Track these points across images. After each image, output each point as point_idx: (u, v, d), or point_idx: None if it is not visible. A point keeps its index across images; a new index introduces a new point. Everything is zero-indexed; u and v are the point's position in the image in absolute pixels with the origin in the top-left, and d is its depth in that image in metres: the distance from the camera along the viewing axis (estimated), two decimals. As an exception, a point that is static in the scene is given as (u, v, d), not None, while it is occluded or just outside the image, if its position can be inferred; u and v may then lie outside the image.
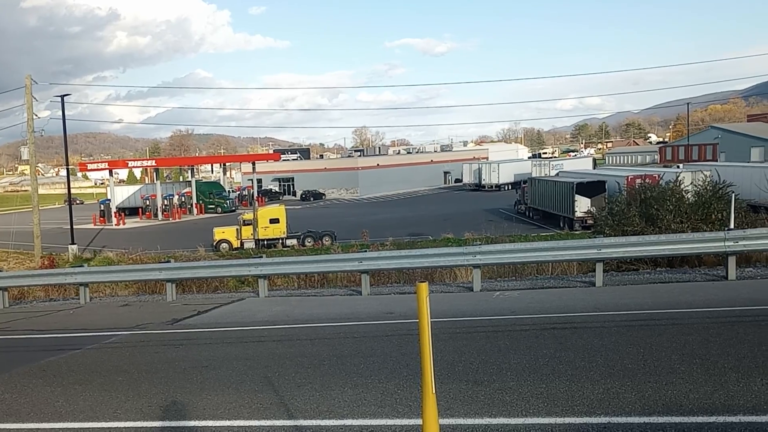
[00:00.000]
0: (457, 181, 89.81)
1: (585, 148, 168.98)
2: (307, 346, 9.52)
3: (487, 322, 10.33)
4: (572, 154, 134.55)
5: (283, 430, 5.97)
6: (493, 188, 75.46)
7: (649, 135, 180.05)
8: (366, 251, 15.64)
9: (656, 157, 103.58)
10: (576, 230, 36.68)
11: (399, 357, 8.34)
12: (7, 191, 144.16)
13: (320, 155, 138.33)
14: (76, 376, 8.52)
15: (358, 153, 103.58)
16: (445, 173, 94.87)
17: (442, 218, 46.45)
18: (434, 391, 3.68)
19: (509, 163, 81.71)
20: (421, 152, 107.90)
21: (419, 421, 5.87)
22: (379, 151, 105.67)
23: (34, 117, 37.04)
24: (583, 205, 37.28)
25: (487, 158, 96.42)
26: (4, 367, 9.35)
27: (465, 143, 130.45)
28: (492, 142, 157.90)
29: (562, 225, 39.60)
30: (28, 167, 54.40)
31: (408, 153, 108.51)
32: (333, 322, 11.17)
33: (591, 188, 38.42)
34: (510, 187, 70.95)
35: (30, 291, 19.71)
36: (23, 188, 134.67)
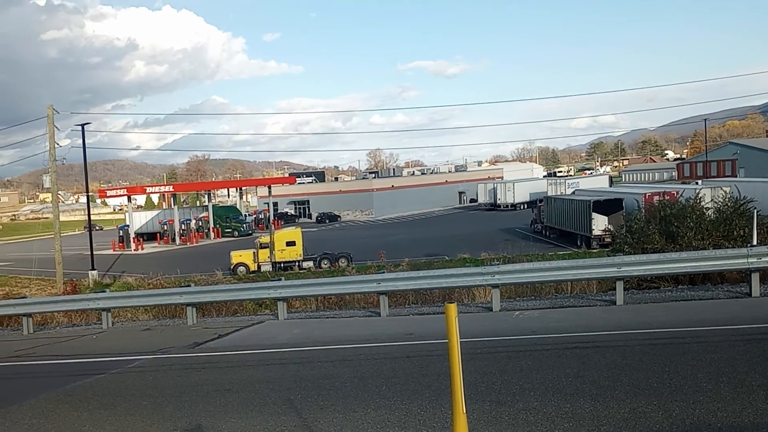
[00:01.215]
0: (472, 201, 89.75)
1: (601, 166, 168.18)
2: (328, 368, 9.53)
3: (508, 342, 10.29)
4: (588, 172, 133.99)
5: (308, 452, 5.99)
6: (509, 207, 75.25)
7: (665, 152, 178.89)
8: (383, 272, 15.65)
9: (674, 173, 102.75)
10: (593, 248, 36.45)
11: (421, 378, 8.33)
12: (28, 219, 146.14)
13: (335, 178, 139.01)
14: (102, 400, 8.59)
15: (373, 175, 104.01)
16: (460, 193, 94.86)
17: (457, 238, 46.36)
18: (464, 411, 3.70)
19: (524, 182, 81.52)
20: (436, 173, 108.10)
21: (444, 441, 5.91)
22: (394, 173, 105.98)
23: (56, 146, 37.69)
24: (600, 223, 37.07)
25: (501, 178, 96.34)
26: (31, 393, 9.44)
27: (479, 163, 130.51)
28: (506, 161, 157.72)
29: (579, 243, 39.37)
30: (49, 195, 55.22)
31: (422, 174, 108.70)
32: (353, 344, 11.18)
33: (608, 206, 38.21)
34: (526, 206, 70.74)
35: (53, 317, 19.90)
36: (44, 215, 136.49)
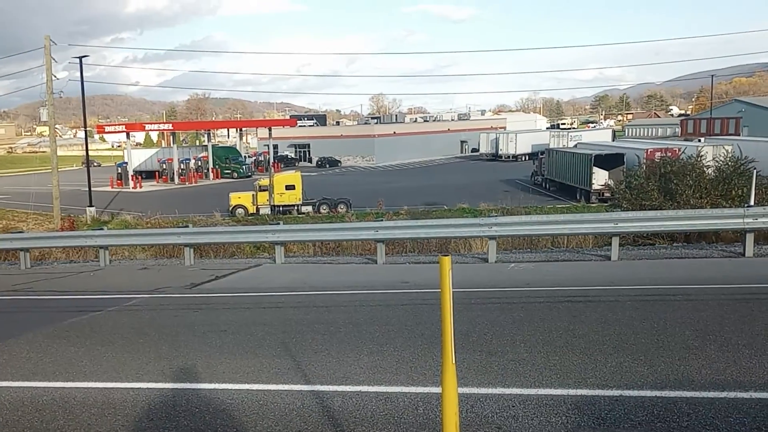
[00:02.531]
0: (474, 150, 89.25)
1: (604, 120, 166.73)
2: (323, 313, 9.67)
3: (502, 293, 10.42)
4: (591, 125, 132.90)
5: (301, 394, 6.11)
6: (510, 158, 74.95)
7: (670, 107, 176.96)
8: (382, 220, 15.72)
9: (677, 130, 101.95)
10: (593, 203, 36.48)
11: (414, 326, 8.46)
12: (25, 152, 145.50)
13: (336, 122, 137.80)
14: (99, 337, 8.73)
15: (375, 120, 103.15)
16: (462, 142, 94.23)
17: (457, 188, 46.35)
18: (454, 361, 3.77)
19: (527, 134, 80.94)
20: (438, 120, 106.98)
21: (435, 389, 6.03)
22: (396, 119, 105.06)
23: (53, 78, 37.14)
24: (600, 177, 37.00)
25: (504, 128, 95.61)
26: (28, 327, 9.59)
27: (483, 112, 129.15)
28: (510, 111, 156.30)
29: (578, 197, 39.40)
30: (46, 128, 54.76)
31: (425, 121, 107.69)
32: (349, 290, 11.32)
33: (609, 161, 38.06)
34: (527, 158, 70.51)
35: (51, 252, 20.03)
36: (41, 149, 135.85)
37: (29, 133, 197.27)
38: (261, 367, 6.97)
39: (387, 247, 14.98)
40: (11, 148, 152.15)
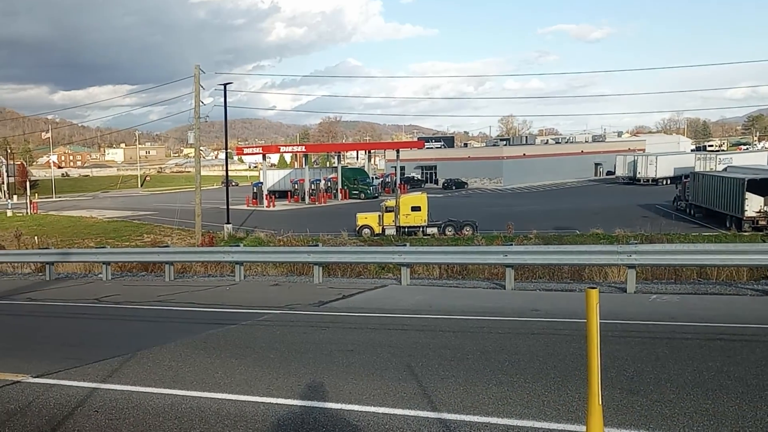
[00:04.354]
0: (609, 173, 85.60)
1: (759, 141, 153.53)
2: (450, 338, 9.43)
3: (642, 327, 9.65)
4: (744, 147, 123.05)
5: (427, 421, 5.91)
6: (650, 182, 71.04)
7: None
8: (511, 244, 15.26)
9: None
10: (745, 231, 33.60)
11: (546, 357, 8.01)
12: (173, 171, 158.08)
13: (464, 143, 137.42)
14: (233, 349, 9.04)
15: (504, 142, 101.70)
16: (596, 165, 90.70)
17: (591, 212, 44.43)
18: (601, 402, 3.42)
19: (669, 156, 76.38)
20: (571, 142, 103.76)
21: (569, 426, 5.62)
22: (526, 140, 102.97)
23: (200, 104, 39.93)
24: (755, 204, 34.07)
25: (643, 150, 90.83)
26: (171, 336, 10.14)
27: (619, 134, 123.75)
28: (650, 133, 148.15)
29: (728, 224, 36.46)
30: (192, 150, 58.89)
31: (557, 143, 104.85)
32: (476, 316, 11.00)
33: (765, 186, 34.93)
34: (668, 182, 66.60)
35: (191, 266, 21.31)
36: (186, 169, 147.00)
37: (177, 155, 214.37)
38: (387, 390, 6.86)
39: (516, 273, 14.50)
40: (161, 168, 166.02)
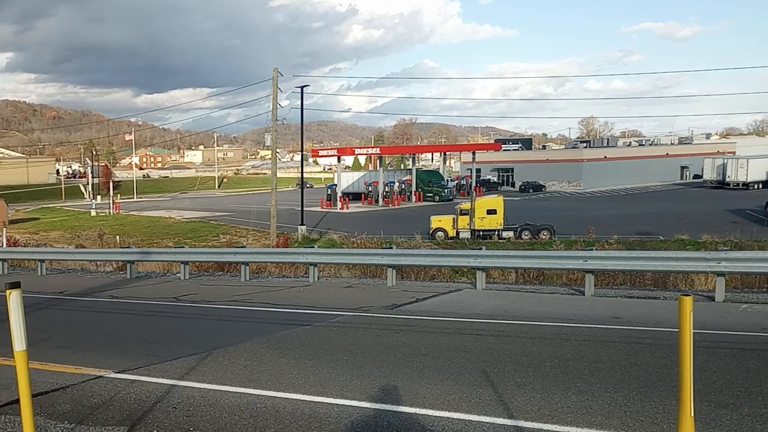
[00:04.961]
0: (696, 177, 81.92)
1: None
2: (526, 345, 9.18)
3: (732, 338, 9.10)
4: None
5: (504, 429, 5.76)
6: (740, 186, 67.47)
7: None
8: (591, 249, 14.76)
9: None
10: None
11: (628, 366, 7.67)
12: (249, 173, 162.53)
13: (542, 146, 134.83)
14: (307, 350, 9.11)
15: (584, 144, 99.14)
16: (683, 168, 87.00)
17: (676, 217, 42.60)
18: (692, 415, 3.22)
19: (762, 159, 72.23)
20: (655, 144, 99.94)
21: (655, 442, 5.34)
22: (608, 143, 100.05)
23: (278, 106, 40.77)
24: None
25: (734, 152, 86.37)
26: (246, 336, 10.32)
27: (708, 136, 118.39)
28: (741, 135, 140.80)
29: (826, 232, 34.06)
30: (268, 152, 60.30)
31: (640, 145, 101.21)
32: (554, 322, 10.67)
33: None
34: (761, 186, 63.10)
35: (266, 266, 21.72)
36: (262, 171, 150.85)
37: (253, 157, 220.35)
38: (461, 395, 6.72)
39: (596, 279, 14.01)
40: (237, 169, 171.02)
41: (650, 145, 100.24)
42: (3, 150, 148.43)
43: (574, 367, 7.71)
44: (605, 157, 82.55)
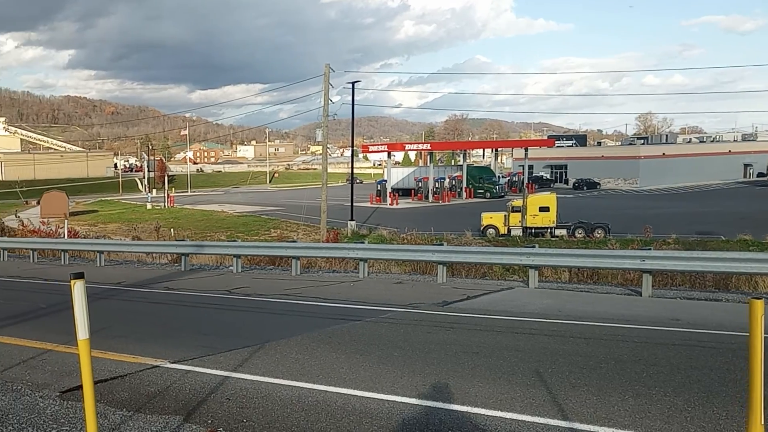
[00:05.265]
0: (761, 175, 78.91)
1: None
2: (581, 345, 8.97)
3: (803, 343, 8.68)
4: None
5: (558, 430, 5.64)
6: (806, 185, 64.54)
7: None
8: (649, 249, 14.34)
9: None
10: None
11: (688, 370, 7.41)
12: (300, 168, 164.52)
13: (597, 142, 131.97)
14: (357, 345, 9.13)
15: (641, 141, 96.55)
16: (746, 166, 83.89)
17: (738, 216, 41.07)
18: (762, 422, 3.07)
19: (830, 156, 69.06)
20: (717, 141, 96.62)
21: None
22: (666, 139, 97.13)
23: (329, 102, 40.99)
24: None
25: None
26: (297, 330, 10.42)
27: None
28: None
29: None
30: (319, 148, 60.89)
31: (701, 142, 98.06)
32: (609, 322, 10.41)
33: None
34: (829, 184, 60.03)
35: (316, 261, 21.89)
36: (313, 166, 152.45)
37: (304, 152, 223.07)
38: (514, 395, 6.62)
39: (653, 279, 13.60)
40: (288, 165, 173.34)
41: (711, 141, 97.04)
42: (64, 144, 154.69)
43: (631, 369, 7.50)
44: (663, 154, 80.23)
